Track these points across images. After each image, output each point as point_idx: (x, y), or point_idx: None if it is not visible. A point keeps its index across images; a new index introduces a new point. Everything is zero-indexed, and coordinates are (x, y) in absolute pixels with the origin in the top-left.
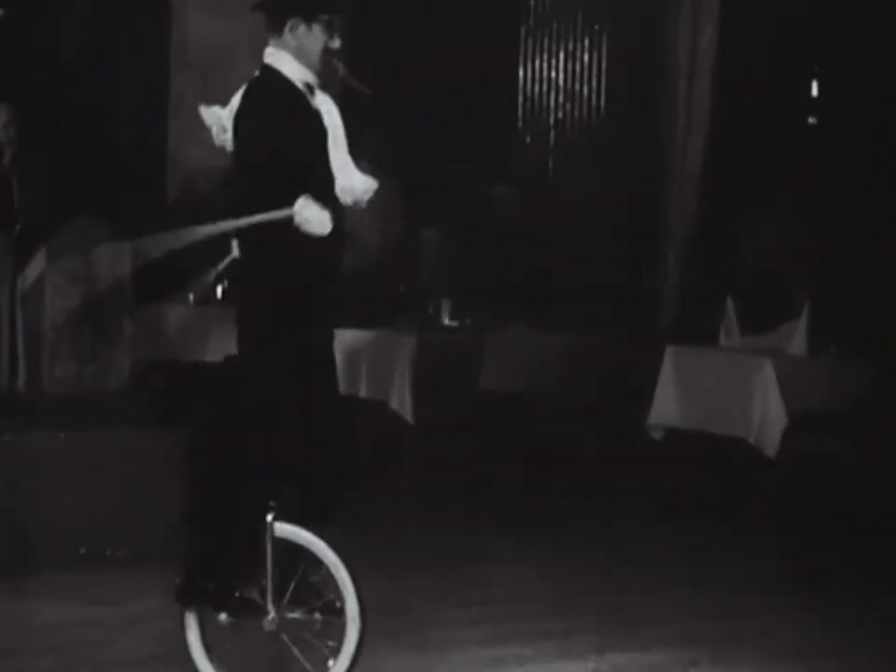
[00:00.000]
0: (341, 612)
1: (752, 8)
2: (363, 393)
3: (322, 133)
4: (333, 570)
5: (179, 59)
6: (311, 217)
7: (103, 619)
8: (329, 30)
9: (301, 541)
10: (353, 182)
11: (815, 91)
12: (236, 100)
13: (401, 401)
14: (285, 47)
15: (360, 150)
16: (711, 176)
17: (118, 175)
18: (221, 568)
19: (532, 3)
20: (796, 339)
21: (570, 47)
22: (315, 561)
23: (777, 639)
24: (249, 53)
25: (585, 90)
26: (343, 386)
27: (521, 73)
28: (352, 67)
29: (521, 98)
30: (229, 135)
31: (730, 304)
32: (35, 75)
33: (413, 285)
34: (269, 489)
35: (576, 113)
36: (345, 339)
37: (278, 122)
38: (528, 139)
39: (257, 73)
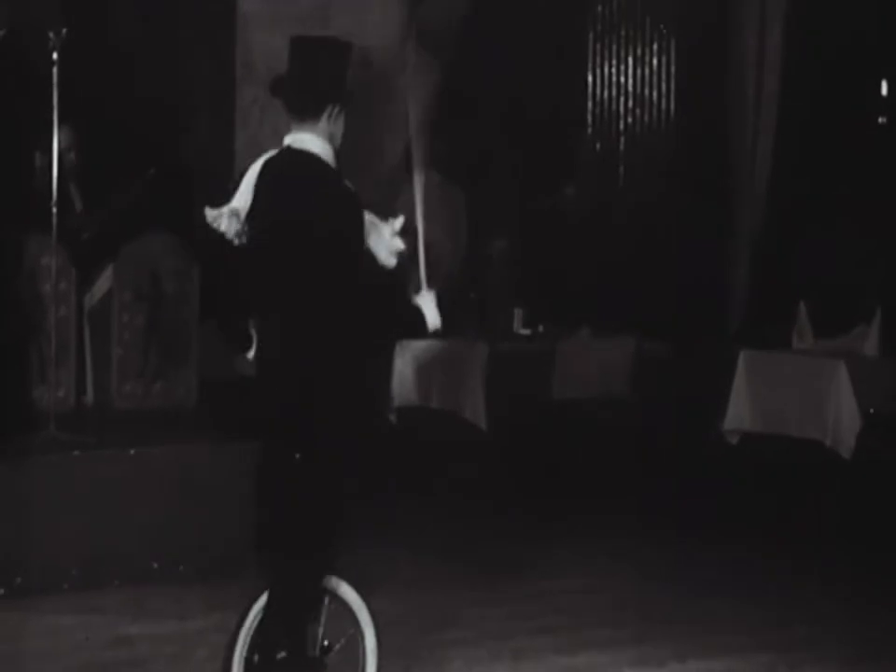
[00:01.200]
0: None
1: (820, 8)
2: (435, 404)
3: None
4: (356, 610)
5: (244, 73)
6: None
7: (175, 633)
8: None
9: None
10: (379, 248)
11: (884, 91)
12: (249, 185)
13: (474, 411)
14: (320, 133)
15: (429, 160)
16: (781, 178)
17: (184, 190)
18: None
19: (600, 8)
20: (869, 341)
21: (639, 51)
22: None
23: (853, 645)
24: None
25: (654, 94)
26: (417, 397)
27: (589, 78)
28: None
29: (590, 104)
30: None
31: (802, 308)
32: (99, 91)
33: (484, 293)
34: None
35: (645, 117)
36: (417, 349)
37: (355, 216)
38: (598, 145)
39: (283, 154)
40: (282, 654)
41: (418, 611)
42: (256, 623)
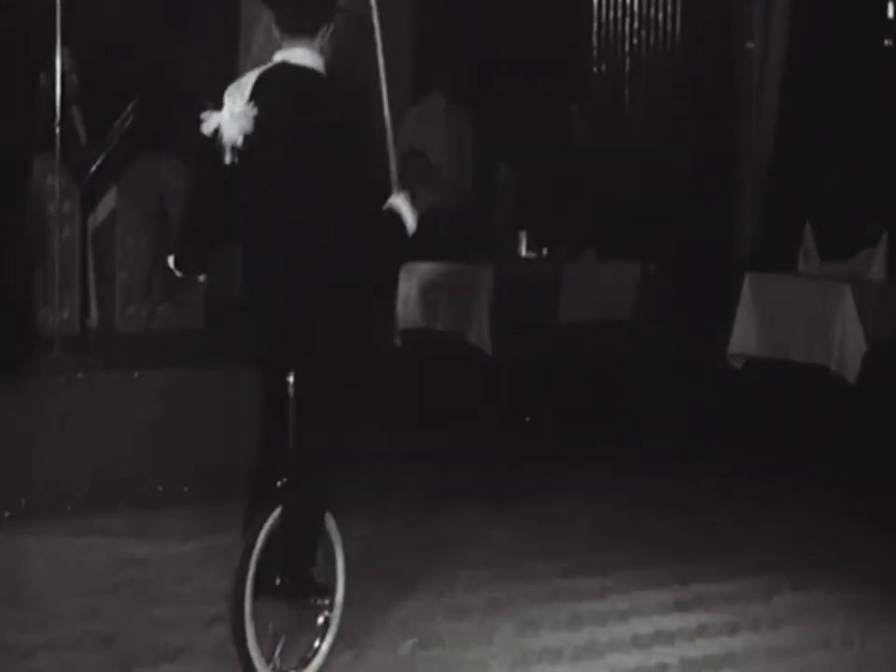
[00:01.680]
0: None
1: None
2: (440, 326)
3: None
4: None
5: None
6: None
7: (179, 555)
8: None
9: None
10: None
11: (890, 13)
12: (244, 95)
13: (479, 334)
14: (315, 49)
15: (433, 83)
16: (788, 101)
17: (187, 113)
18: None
19: None
20: (875, 265)
21: None
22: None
23: (856, 566)
24: None
25: (660, 15)
26: (421, 319)
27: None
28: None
29: (595, 25)
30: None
31: (808, 231)
32: (100, 13)
33: (489, 217)
34: None
35: (651, 39)
36: (422, 272)
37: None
38: (604, 66)
39: (279, 68)
40: (285, 579)
41: (422, 534)
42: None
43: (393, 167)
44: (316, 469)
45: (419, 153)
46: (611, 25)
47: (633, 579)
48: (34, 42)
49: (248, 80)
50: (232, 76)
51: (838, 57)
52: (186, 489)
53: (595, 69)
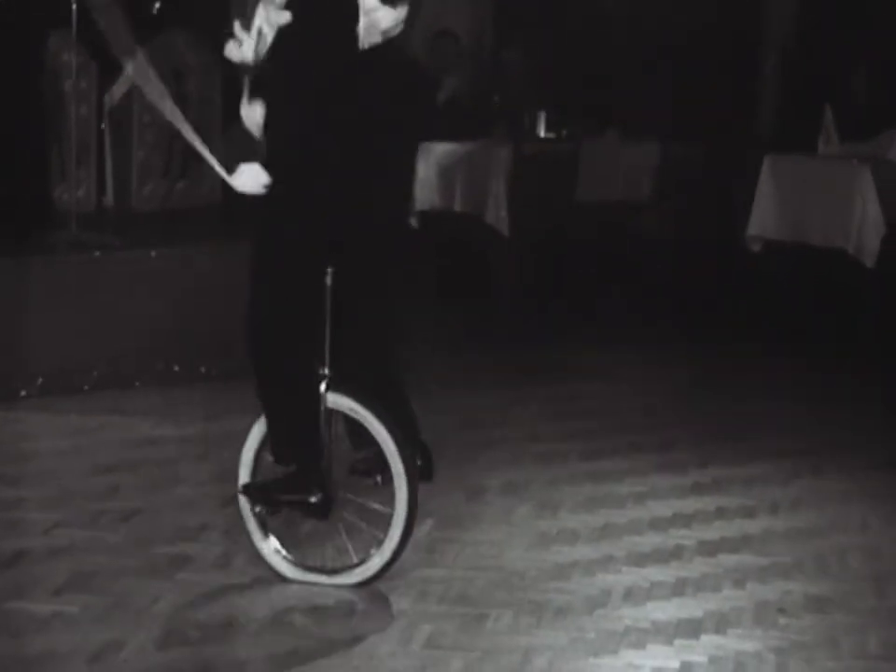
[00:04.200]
0: (389, 479)
1: None
2: (458, 207)
3: None
4: (380, 440)
5: None
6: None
7: (197, 434)
8: None
9: (350, 412)
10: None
11: None
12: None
13: (497, 215)
14: None
15: None
16: None
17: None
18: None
19: None
20: (895, 146)
21: None
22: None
23: (876, 450)
24: None
25: None
26: (439, 200)
27: None
28: None
29: None
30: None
31: (828, 112)
32: None
33: (508, 95)
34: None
35: None
36: (439, 152)
37: None
38: None
39: None
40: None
41: (441, 412)
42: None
43: None
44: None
45: (450, 34)
46: None
47: (651, 461)
48: None
49: None
50: None
51: None
52: (203, 369)
53: None
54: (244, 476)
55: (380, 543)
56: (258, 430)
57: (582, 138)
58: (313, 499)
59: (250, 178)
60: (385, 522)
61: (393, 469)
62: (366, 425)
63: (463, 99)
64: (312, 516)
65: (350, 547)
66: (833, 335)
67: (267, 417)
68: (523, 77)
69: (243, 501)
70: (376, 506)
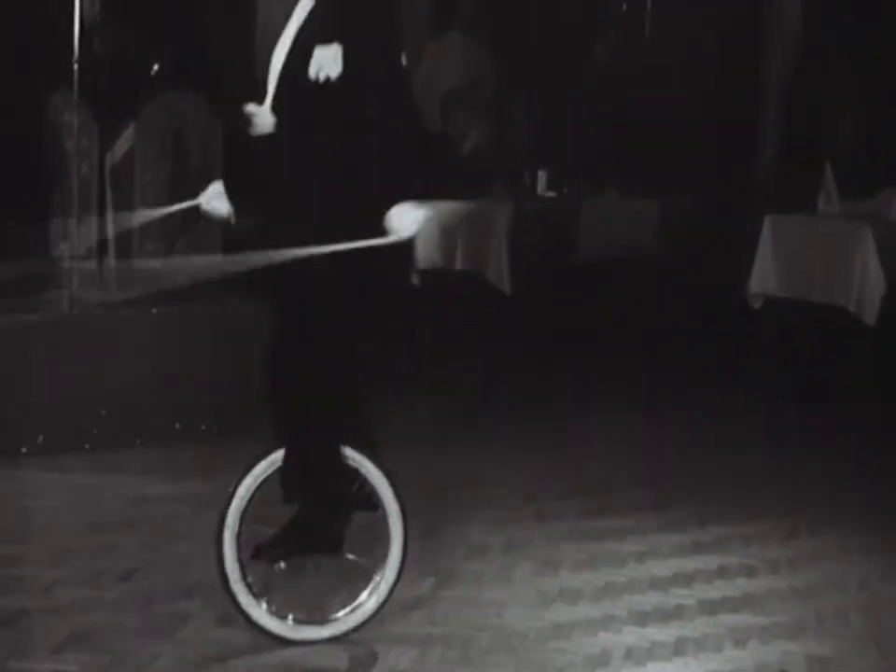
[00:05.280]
0: (382, 513)
1: None
2: (459, 265)
3: None
4: (371, 478)
5: None
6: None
7: (196, 492)
8: None
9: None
10: None
11: None
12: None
13: (498, 273)
14: None
15: (453, 19)
16: (811, 38)
17: (208, 45)
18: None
19: None
20: (894, 205)
21: None
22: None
23: (874, 507)
24: None
25: None
26: (440, 259)
27: None
28: None
29: None
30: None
31: (829, 171)
32: None
33: (510, 154)
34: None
35: None
36: (441, 210)
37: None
38: (625, 4)
39: None
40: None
41: (440, 470)
42: (252, 491)
43: None
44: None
45: (460, 92)
46: None
47: (651, 519)
48: None
49: None
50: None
51: None
52: (203, 426)
53: (616, 5)
54: (229, 540)
55: (374, 586)
56: (244, 491)
57: (583, 196)
58: (335, 528)
59: (216, 197)
60: (365, 574)
61: (388, 508)
62: (368, 476)
63: (488, 151)
64: (329, 549)
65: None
66: (833, 392)
67: (301, 453)
68: (528, 130)
69: (231, 568)
70: (351, 557)
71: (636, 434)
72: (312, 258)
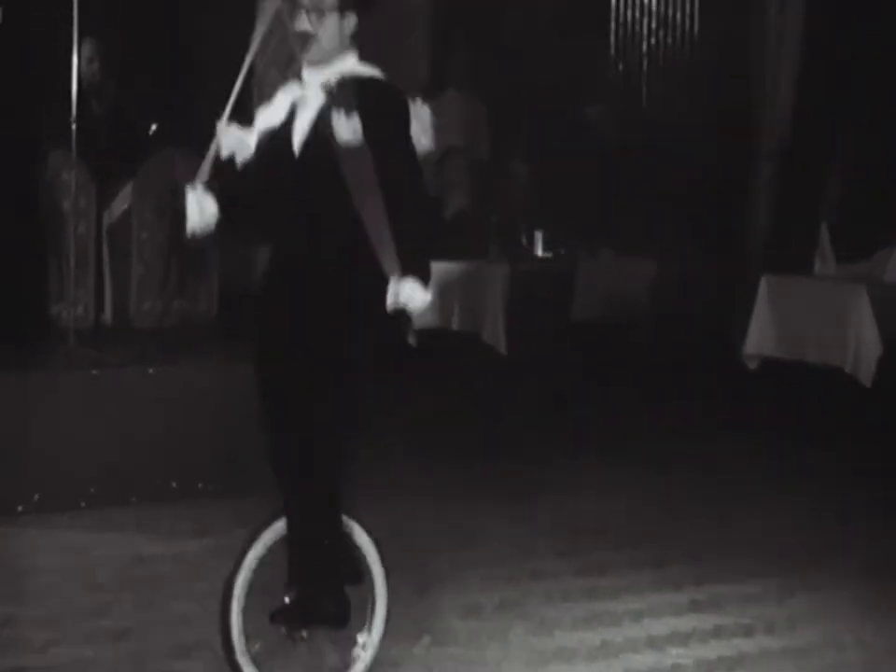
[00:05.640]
0: (367, 581)
1: None
2: (455, 326)
3: None
4: (360, 543)
5: None
6: None
7: (192, 551)
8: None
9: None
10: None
11: None
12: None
13: (494, 333)
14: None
15: (448, 78)
16: (804, 101)
17: (205, 104)
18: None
19: None
20: (891, 266)
21: None
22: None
23: (870, 565)
24: None
25: (678, 14)
26: (437, 319)
27: (612, 0)
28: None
29: (613, 24)
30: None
31: (824, 232)
32: (121, 7)
33: (505, 215)
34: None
35: (668, 38)
36: (438, 271)
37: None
38: (621, 66)
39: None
40: (307, 585)
41: (435, 529)
42: (260, 558)
43: None
44: (325, 461)
45: (458, 151)
46: (629, 25)
47: (647, 578)
48: (52, 35)
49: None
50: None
51: (854, 56)
52: (200, 485)
53: (612, 68)
54: (236, 612)
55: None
56: (251, 561)
57: (579, 257)
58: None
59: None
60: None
61: (374, 574)
62: (360, 546)
63: (467, 216)
64: (339, 622)
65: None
66: (829, 451)
67: (312, 532)
68: (525, 192)
69: (238, 640)
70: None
71: (632, 491)
72: (331, 319)
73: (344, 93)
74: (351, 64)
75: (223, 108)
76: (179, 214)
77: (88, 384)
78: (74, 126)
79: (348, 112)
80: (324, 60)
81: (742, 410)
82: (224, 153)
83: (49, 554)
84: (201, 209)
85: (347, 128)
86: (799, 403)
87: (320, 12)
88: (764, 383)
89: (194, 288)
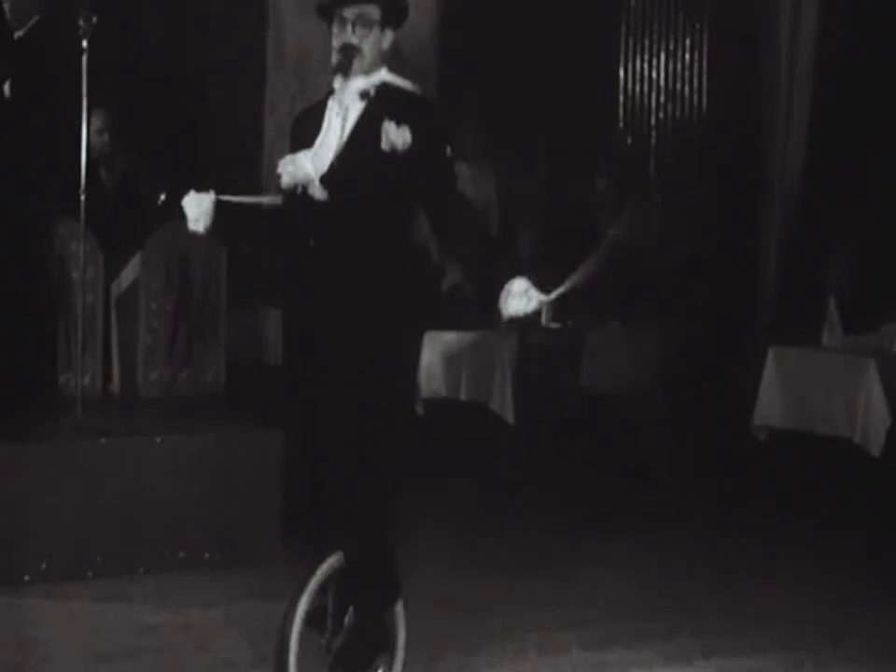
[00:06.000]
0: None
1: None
2: (463, 395)
3: None
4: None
5: (276, 61)
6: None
7: (199, 622)
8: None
9: None
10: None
11: None
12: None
13: (502, 403)
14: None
15: (458, 149)
16: (813, 173)
17: (213, 176)
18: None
19: (632, 2)
20: None
21: (671, 46)
22: None
23: (880, 640)
24: None
25: (686, 89)
26: (444, 389)
27: (621, 73)
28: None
29: (622, 98)
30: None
31: (832, 304)
32: (130, 79)
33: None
34: None
35: (677, 113)
36: (446, 341)
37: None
38: (629, 140)
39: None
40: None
41: (443, 601)
42: (310, 598)
43: None
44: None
45: None
46: (637, 98)
47: (655, 651)
48: (62, 107)
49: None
50: (258, 139)
51: (864, 127)
52: (207, 555)
53: (620, 142)
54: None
55: None
56: (301, 612)
57: (587, 327)
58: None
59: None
60: None
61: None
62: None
63: (468, 286)
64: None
65: None
66: (839, 523)
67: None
68: (531, 261)
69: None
70: None
71: (640, 563)
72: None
73: (388, 101)
74: (388, 76)
75: (231, 178)
76: (187, 285)
77: (95, 452)
78: (83, 197)
79: (394, 119)
80: (364, 72)
81: (751, 481)
82: (286, 181)
83: (56, 624)
84: (198, 202)
85: (397, 135)
86: (809, 475)
87: (365, 26)
88: (773, 454)
89: (202, 359)
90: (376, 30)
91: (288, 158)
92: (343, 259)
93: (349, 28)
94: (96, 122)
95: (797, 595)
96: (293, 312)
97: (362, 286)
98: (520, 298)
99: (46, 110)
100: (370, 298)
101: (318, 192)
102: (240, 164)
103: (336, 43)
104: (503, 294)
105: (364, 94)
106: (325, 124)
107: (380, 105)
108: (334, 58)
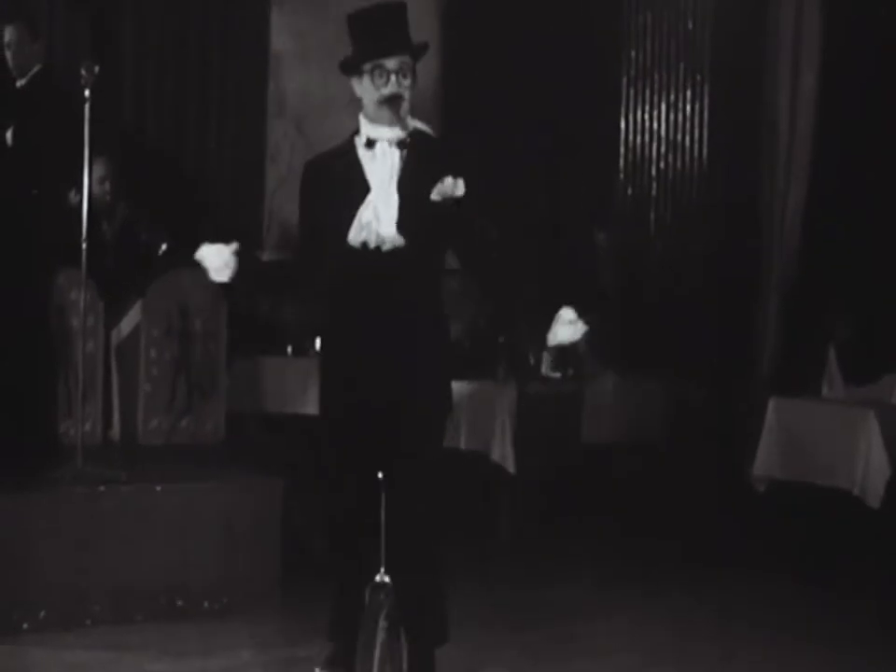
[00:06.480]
0: None
1: (854, 53)
2: (464, 445)
3: None
4: None
5: (276, 109)
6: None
7: (199, 671)
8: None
9: None
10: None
11: None
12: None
13: (502, 453)
14: None
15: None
16: (814, 226)
17: (213, 225)
18: None
19: (633, 54)
20: None
21: (672, 97)
22: None
23: None
24: (343, 104)
25: (687, 140)
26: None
27: (622, 124)
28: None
29: (622, 149)
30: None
31: (832, 355)
32: (131, 128)
33: (514, 336)
34: None
35: (678, 164)
36: None
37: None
38: (630, 191)
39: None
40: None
41: (439, 656)
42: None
43: None
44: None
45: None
46: (638, 149)
47: None
48: (63, 155)
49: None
50: (259, 187)
51: (865, 185)
52: (206, 604)
53: (621, 193)
54: None
55: None
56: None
57: (587, 377)
58: None
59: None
60: None
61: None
62: None
63: (465, 341)
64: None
65: None
66: (839, 576)
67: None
68: (533, 311)
69: None
70: None
71: (637, 618)
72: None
73: (424, 148)
74: (418, 123)
75: (231, 227)
76: (187, 333)
77: (94, 501)
78: (84, 245)
79: (434, 168)
80: (401, 120)
81: (751, 534)
82: (363, 238)
83: None
84: (218, 252)
85: (454, 185)
86: (808, 527)
87: (406, 75)
88: (772, 505)
89: (202, 408)
90: (411, 78)
91: (360, 221)
92: (413, 305)
93: (393, 78)
94: (97, 171)
95: (796, 650)
96: (348, 360)
97: (429, 333)
98: (569, 326)
99: (47, 158)
100: (433, 345)
101: (397, 241)
102: (241, 212)
103: (385, 93)
104: (555, 322)
105: (402, 143)
106: (366, 174)
107: (417, 152)
108: (375, 108)
